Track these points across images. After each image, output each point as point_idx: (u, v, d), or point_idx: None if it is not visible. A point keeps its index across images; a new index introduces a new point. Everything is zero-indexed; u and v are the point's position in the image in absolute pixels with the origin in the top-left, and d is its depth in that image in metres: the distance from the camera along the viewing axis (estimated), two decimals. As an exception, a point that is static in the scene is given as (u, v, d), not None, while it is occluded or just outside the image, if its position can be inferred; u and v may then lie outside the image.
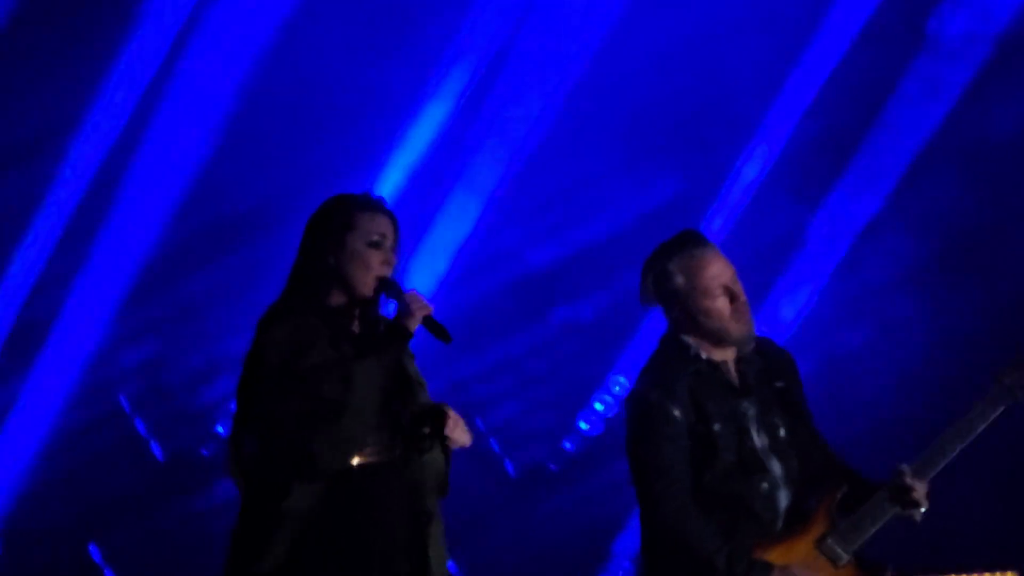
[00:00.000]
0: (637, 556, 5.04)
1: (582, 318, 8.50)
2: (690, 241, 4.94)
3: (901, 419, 7.56)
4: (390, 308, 4.77)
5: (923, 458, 5.02)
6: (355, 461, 4.48)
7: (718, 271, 4.92)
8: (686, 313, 4.90)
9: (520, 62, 8.39)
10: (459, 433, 4.60)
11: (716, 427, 4.81)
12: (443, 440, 4.53)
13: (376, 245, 4.66)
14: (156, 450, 8.34)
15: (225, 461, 4.55)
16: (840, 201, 8.37)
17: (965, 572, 6.93)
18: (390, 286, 4.67)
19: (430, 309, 4.61)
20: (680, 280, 4.85)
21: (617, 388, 8.97)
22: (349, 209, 4.66)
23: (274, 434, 4.36)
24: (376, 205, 4.69)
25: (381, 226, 4.69)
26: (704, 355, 4.86)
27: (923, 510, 4.81)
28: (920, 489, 4.76)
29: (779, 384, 4.95)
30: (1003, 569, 6.89)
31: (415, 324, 4.59)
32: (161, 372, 8.38)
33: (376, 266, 4.65)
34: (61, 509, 8.09)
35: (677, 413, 4.74)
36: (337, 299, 4.65)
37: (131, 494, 8.24)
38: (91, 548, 8.16)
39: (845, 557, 5.08)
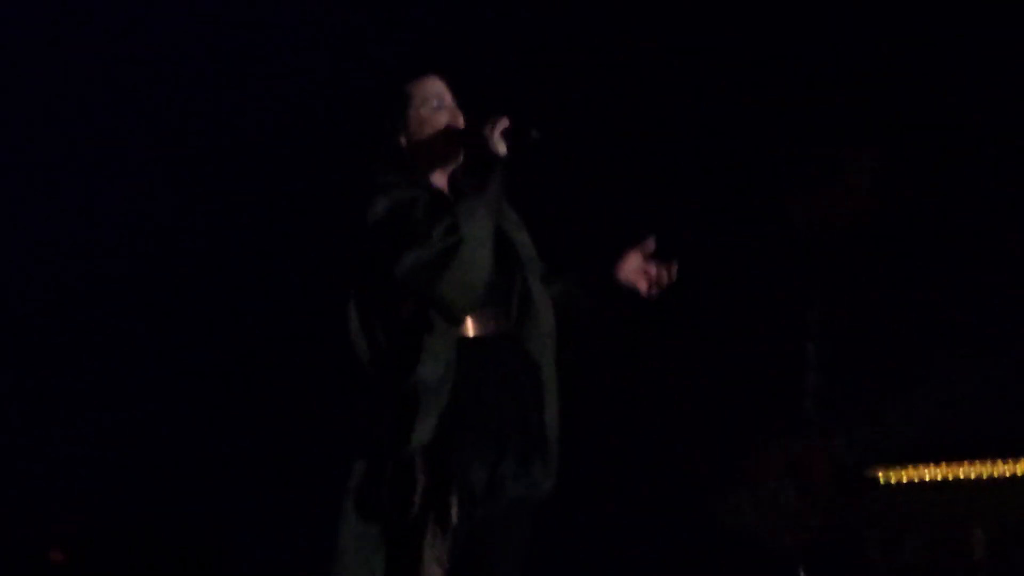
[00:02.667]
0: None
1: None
2: None
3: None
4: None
5: None
6: (471, 333, 4.35)
7: None
8: None
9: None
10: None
11: None
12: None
13: (437, 108, 4.52)
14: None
15: (351, 347, 4.44)
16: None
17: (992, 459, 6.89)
18: (457, 134, 4.53)
19: (506, 122, 4.39)
20: None
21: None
22: (400, 87, 4.59)
23: (393, 302, 4.28)
24: (423, 72, 4.59)
25: (434, 87, 4.57)
26: None
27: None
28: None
29: None
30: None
31: (500, 145, 4.43)
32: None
33: (444, 123, 4.49)
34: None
35: None
36: (424, 170, 4.51)
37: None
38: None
39: None
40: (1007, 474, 6.87)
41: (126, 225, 7.54)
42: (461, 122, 4.48)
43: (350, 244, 4.38)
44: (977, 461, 6.88)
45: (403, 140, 4.49)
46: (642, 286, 4.46)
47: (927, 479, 6.94)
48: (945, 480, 6.91)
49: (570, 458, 4.56)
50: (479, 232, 4.29)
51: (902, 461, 6.96)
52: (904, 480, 6.95)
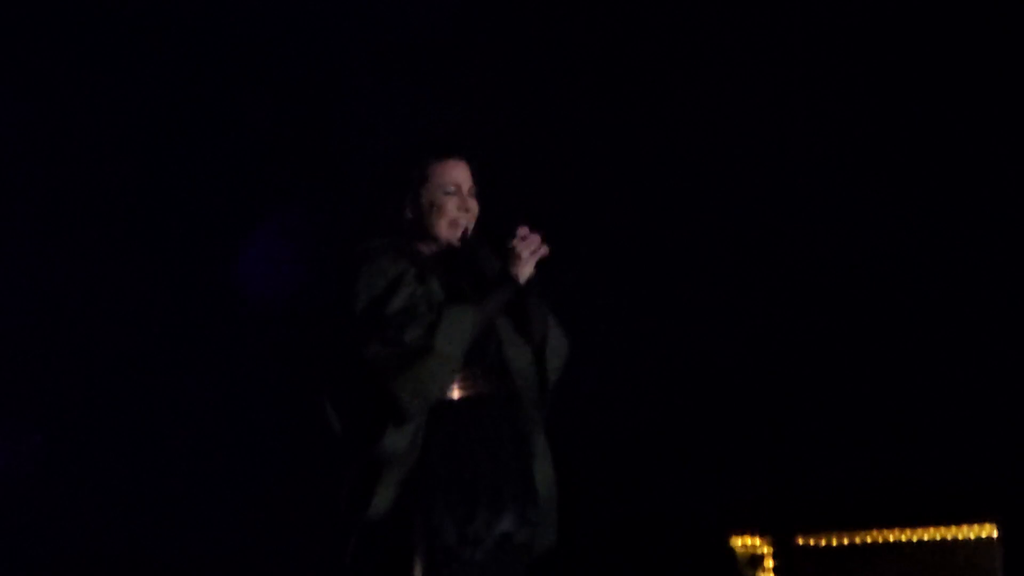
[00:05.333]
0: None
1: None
2: None
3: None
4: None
5: None
6: (455, 395, 4.42)
7: None
8: None
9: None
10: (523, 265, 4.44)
11: None
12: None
13: (451, 193, 4.54)
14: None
15: (319, 411, 4.45)
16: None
17: (944, 525, 6.98)
18: (475, 245, 4.52)
19: (546, 251, 4.45)
20: None
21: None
22: (421, 161, 4.55)
23: (359, 379, 4.28)
24: (447, 152, 4.56)
25: (454, 173, 4.57)
26: None
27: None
28: None
29: None
30: (981, 522, 6.95)
31: (526, 272, 4.46)
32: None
33: (453, 212, 4.53)
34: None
35: None
36: (424, 247, 4.56)
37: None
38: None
39: None
40: (925, 539, 7.00)
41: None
42: (474, 213, 4.52)
43: (327, 316, 4.40)
44: (897, 527, 7.00)
45: (408, 214, 4.53)
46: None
47: (845, 543, 7.06)
48: (864, 544, 7.02)
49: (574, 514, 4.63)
50: (453, 349, 4.35)
51: (822, 526, 7.06)
52: (823, 544, 7.05)
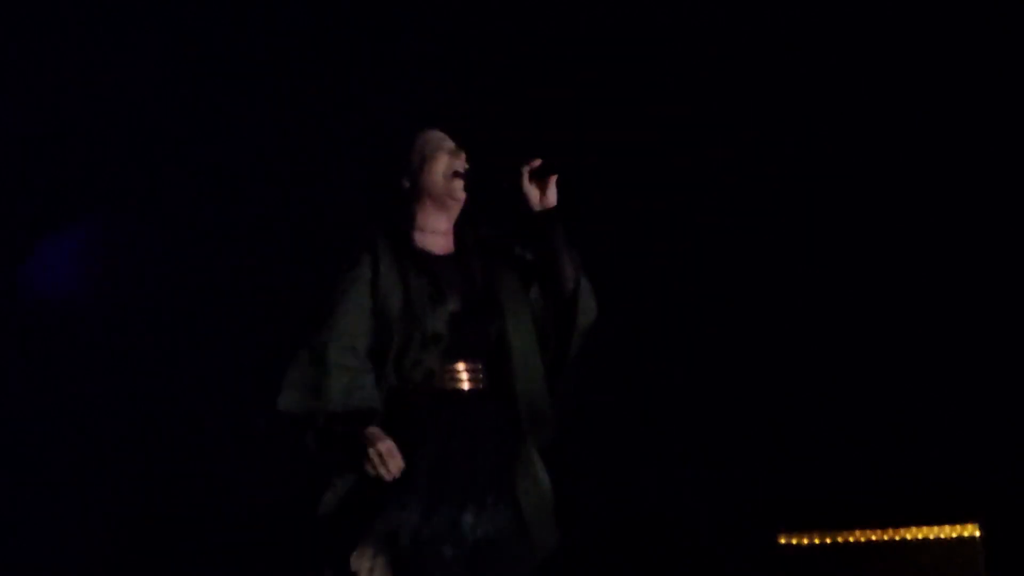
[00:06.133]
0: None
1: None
2: None
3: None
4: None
5: None
6: (443, 388, 4.44)
7: None
8: None
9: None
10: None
11: None
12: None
13: (441, 148, 4.66)
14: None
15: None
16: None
17: (926, 524, 6.97)
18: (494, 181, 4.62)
19: (555, 172, 4.51)
20: None
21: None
22: (402, 143, 4.69)
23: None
24: (425, 127, 4.73)
25: (439, 135, 4.70)
26: None
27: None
28: None
29: None
30: (963, 522, 6.93)
31: (552, 197, 4.57)
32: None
33: (446, 159, 4.62)
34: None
35: None
36: (427, 212, 4.62)
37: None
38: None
39: None
40: (907, 538, 6.97)
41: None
42: (463, 162, 4.63)
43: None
44: (881, 526, 6.97)
45: (406, 183, 4.62)
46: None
47: (828, 542, 7.03)
48: (847, 543, 6.99)
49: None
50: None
51: (805, 526, 7.05)
52: (805, 543, 7.02)
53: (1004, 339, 7.06)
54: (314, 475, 4.39)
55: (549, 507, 4.54)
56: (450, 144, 4.67)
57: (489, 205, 4.68)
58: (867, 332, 7.19)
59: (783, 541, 7.02)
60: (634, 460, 7.28)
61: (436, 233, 4.64)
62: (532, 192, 4.55)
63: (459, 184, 4.61)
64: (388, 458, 4.27)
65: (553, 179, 4.53)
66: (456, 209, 4.65)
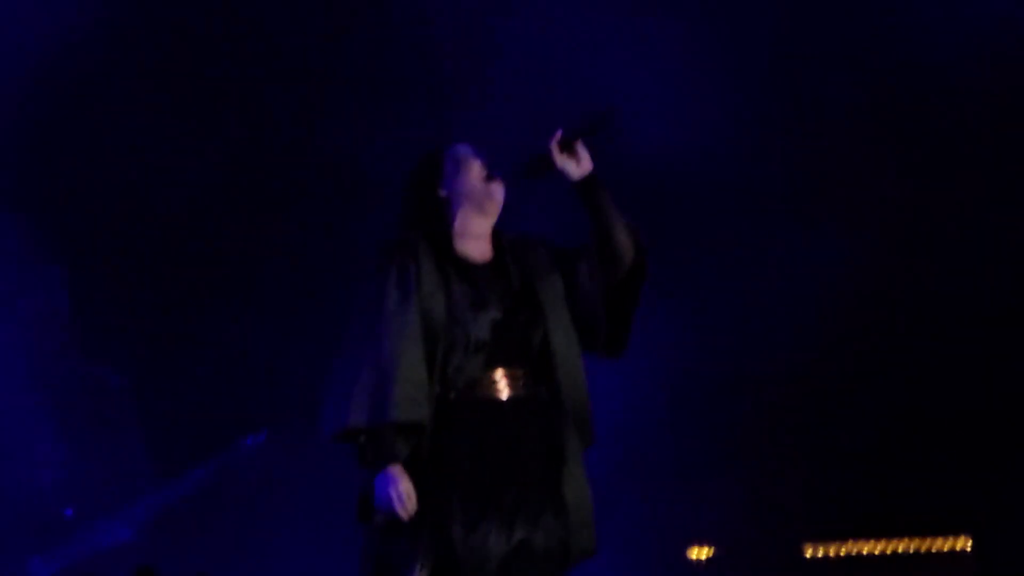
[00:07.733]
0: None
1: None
2: None
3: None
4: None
5: None
6: (486, 395, 4.45)
7: None
8: None
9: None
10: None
11: None
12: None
13: (469, 155, 4.63)
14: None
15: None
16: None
17: (920, 537, 7.00)
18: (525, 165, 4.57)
19: (558, 132, 4.52)
20: None
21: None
22: (435, 153, 4.65)
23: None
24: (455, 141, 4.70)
25: (463, 146, 4.66)
26: None
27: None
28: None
29: None
30: (956, 534, 6.97)
31: (587, 162, 4.56)
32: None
33: (479, 166, 4.60)
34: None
35: None
36: (464, 219, 4.60)
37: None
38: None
39: None
40: (900, 551, 7.01)
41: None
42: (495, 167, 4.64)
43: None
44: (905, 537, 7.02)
45: (442, 192, 4.59)
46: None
47: (819, 556, 7.05)
48: (872, 555, 7.03)
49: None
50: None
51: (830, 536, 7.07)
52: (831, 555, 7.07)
53: (998, 350, 7.10)
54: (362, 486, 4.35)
55: (591, 514, 4.51)
56: (478, 154, 4.68)
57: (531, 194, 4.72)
58: (867, 339, 7.21)
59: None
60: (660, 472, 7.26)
61: (476, 238, 4.60)
62: (568, 164, 4.53)
63: (498, 185, 4.60)
64: (408, 500, 4.31)
65: (579, 144, 4.53)
66: (495, 212, 4.63)
